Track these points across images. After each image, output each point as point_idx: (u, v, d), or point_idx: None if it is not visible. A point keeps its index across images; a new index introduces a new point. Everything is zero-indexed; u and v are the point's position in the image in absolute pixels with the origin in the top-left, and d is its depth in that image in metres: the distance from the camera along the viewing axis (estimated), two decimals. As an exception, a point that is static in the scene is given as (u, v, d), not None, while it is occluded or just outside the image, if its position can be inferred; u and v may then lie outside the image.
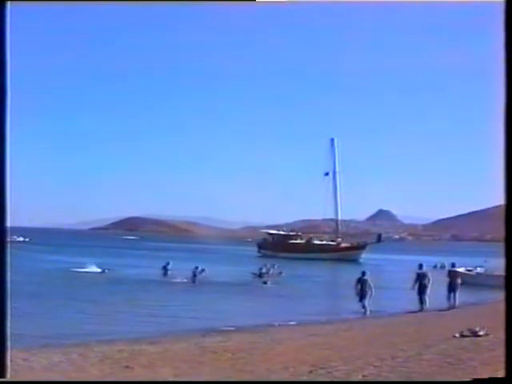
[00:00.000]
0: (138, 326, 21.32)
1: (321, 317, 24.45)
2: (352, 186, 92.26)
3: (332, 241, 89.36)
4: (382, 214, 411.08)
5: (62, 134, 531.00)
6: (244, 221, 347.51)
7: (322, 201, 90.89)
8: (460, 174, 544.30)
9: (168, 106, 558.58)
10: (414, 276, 27.12)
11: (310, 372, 11.53)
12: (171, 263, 45.84)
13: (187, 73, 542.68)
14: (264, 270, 45.72)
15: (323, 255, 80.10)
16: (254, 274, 44.26)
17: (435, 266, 51.51)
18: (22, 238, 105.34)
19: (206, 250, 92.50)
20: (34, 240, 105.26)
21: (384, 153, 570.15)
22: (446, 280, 27.72)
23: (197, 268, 40.39)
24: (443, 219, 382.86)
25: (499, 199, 5.41)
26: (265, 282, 38.90)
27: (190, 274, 39.63)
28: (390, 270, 60.45)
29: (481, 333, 15.49)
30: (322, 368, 11.83)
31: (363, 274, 27.15)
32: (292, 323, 22.17)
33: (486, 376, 9.11)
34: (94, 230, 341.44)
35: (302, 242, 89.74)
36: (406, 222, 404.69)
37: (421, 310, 26.00)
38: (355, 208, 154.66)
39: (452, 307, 26.60)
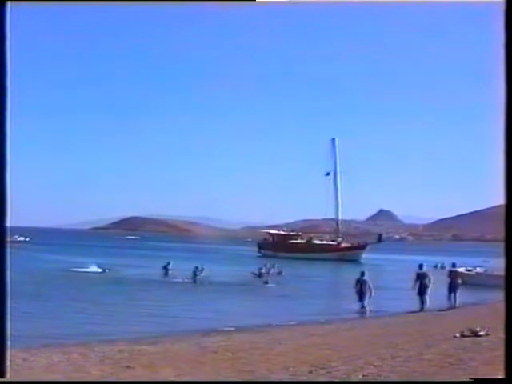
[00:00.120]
0: (138, 326, 21.31)
1: (321, 317, 24.42)
2: (353, 186, 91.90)
3: (332, 241, 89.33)
4: (382, 214, 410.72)
5: (63, 134, 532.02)
6: (244, 221, 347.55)
7: (322, 201, 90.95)
8: (461, 173, 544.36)
9: (169, 106, 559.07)
10: (414, 276, 27.11)
11: (310, 372, 11.53)
12: (172, 263, 45.88)
13: (187, 72, 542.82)
14: (264, 270, 45.75)
15: (324, 255, 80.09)
16: (254, 273, 44.30)
17: (436, 266, 51.52)
18: (22, 238, 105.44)
19: (206, 250, 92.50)
20: (35, 240, 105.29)
21: (385, 153, 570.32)
22: (447, 280, 27.73)
23: (197, 268, 40.41)
24: (444, 219, 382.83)
25: (500, 199, 5.41)
26: (266, 282, 38.88)
27: (190, 273, 39.64)
28: (391, 270, 60.42)
29: (481, 333, 15.48)
30: (322, 368, 11.82)
31: (362, 274, 27.18)
32: (292, 323, 22.17)
33: (486, 376, 9.11)
34: (95, 230, 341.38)
35: (303, 241, 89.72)
36: (407, 221, 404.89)
37: (421, 310, 25.99)
38: (356, 208, 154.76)
39: (452, 307, 26.60)
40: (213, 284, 37.81)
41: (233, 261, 67.52)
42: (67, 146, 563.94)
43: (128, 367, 12.52)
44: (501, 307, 5.73)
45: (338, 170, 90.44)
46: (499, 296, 6.36)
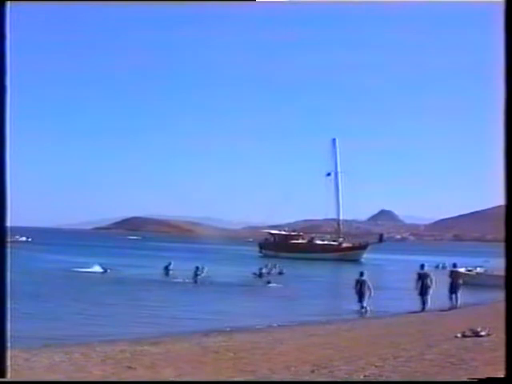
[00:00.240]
0: (139, 326, 21.30)
1: (322, 317, 24.43)
2: (354, 186, 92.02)
3: (334, 241, 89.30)
4: (383, 214, 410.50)
5: (64, 134, 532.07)
6: (245, 221, 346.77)
7: (323, 201, 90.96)
8: (462, 173, 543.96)
9: (170, 106, 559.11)
10: (415, 276, 27.09)
11: (312, 372, 11.53)
12: (173, 263, 45.89)
13: (188, 72, 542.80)
14: (264, 270, 45.77)
15: (325, 255, 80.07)
16: (255, 273, 44.32)
17: (437, 267, 51.52)
18: (24, 238, 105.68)
19: (207, 250, 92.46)
20: (36, 240, 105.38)
21: (386, 153, 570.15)
22: (448, 280, 27.71)
23: (198, 268, 40.41)
24: (445, 219, 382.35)
25: (501, 199, 5.41)
26: (268, 282, 38.82)
27: (191, 274, 39.65)
28: (392, 270, 60.46)
29: (482, 333, 15.48)
30: (323, 368, 11.83)
31: (361, 274, 27.19)
32: (293, 323, 22.17)
33: (488, 376, 9.11)
34: (96, 230, 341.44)
35: (304, 242, 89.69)
36: (408, 222, 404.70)
37: (422, 310, 25.98)
38: (357, 208, 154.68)
39: (454, 307, 26.59)
40: (214, 284, 37.81)
41: (234, 261, 67.49)
42: (69, 145, 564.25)
43: (129, 367, 12.52)
44: (502, 307, 5.73)
45: (339, 170, 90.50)
46: (500, 296, 6.36)
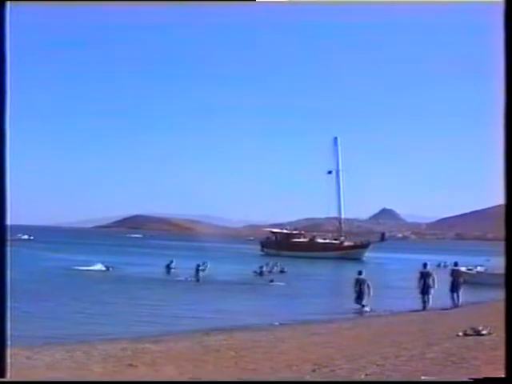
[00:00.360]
0: (140, 325, 21.33)
1: (323, 316, 24.43)
2: (355, 185, 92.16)
3: (335, 239, 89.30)
4: (385, 213, 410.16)
5: (65, 133, 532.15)
6: (247, 219, 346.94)
7: (325, 199, 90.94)
8: (464, 172, 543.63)
9: (170, 105, 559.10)
10: (418, 275, 27.09)
11: (314, 370, 11.54)
12: (174, 262, 45.93)
13: (188, 72, 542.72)
14: (265, 269, 45.81)
15: (326, 254, 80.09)
16: (255, 272, 44.36)
17: (439, 265, 51.47)
18: (26, 236, 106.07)
19: (209, 249, 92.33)
20: (38, 238, 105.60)
21: (387, 151, 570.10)
22: (449, 279, 27.70)
23: (199, 265, 40.44)
24: (447, 218, 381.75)
25: (502, 198, 5.41)
26: (271, 281, 38.74)
27: (193, 272, 39.67)
28: (393, 269, 60.45)
29: (484, 332, 15.48)
30: (325, 366, 11.83)
31: (360, 273, 27.19)
32: (295, 322, 22.17)
33: (489, 375, 9.11)
34: (97, 228, 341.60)
35: (305, 240, 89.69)
36: (410, 220, 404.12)
37: (424, 308, 25.98)
38: (358, 207, 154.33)
39: (455, 306, 26.58)
40: (215, 282, 37.85)
41: (235, 259, 67.53)
42: (69, 145, 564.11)
43: (131, 365, 12.54)
44: (503, 306, 5.73)
45: (341, 168, 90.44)
46: (501, 295, 6.36)
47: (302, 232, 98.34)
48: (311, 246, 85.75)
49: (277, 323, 21.59)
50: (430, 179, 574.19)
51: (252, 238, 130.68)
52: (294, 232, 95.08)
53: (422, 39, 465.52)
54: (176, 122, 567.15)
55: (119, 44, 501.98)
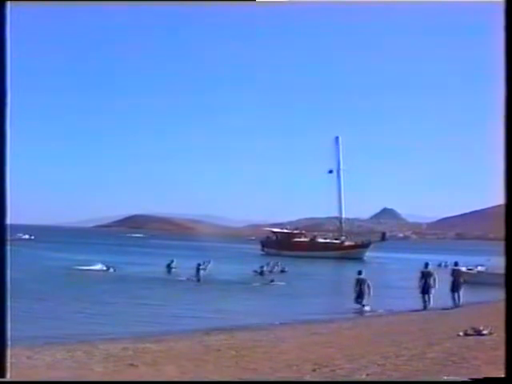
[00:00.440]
0: (141, 325, 21.33)
1: (324, 315, 24.42)
2: (356, 184, 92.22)
3: (336, 239, 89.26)
4: (386, 213, 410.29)
5: (65, 133, 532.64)
6: (247, 219, 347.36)
7: (326, 199, 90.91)
8: (465, 172, 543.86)
9: (171, 105, 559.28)
10: (418, 275, 27.08)
11: (314, 370, 11.53)
12: (175, 261, 45.94)
13: (189, 73, 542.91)
14: (265, 268, 45.80)
15: (327, 253, 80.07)
16: (255, 271, 44.36)
17: (439, 265, 51.44)
18: (27, 236, 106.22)
19: (209, 248, 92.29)
20: (39, 238, 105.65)
21: (388, 151, 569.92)
22: (450, 279, 27.68)
23: (199, 265, 40.42)
24: (447, 218, 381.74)
25: (503, 198, 5.42)
26: (272, 281, 38.72)
27: (193, 272, 39.66)
28: (394, 269, 60.46)
29: (485, 332, 15.48)
30: (325, 366, 11.83)
31: (359, 273, 27.17)
32: (295, 321, 22.17)
33: (490, 375, 9.11)
34: (98, 228, 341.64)
35: (306, 240, 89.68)
36: (411, 220, 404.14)
37: (424, 308, 25.98)
38: (359, 206, 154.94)
39: (456, 306, 26.57)
40: (216, 282, 37.84)
41: (236, 259, 67.52)
42: (70, 144, 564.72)
43: (132, 365, 12.54)
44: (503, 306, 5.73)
45: (342, 168, 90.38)
46: (501, 294, 6.36)
47: (303, 232, 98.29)
48: (312, 245, 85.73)
49: (277, 323, 21.59)
50: (430, 179, 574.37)
51: (253, 238, 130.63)
52: (295, 232, 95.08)
53: (423, 39, 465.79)
54: (177, 122, 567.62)
55: (120, 44, 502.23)
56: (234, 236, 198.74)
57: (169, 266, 45.21)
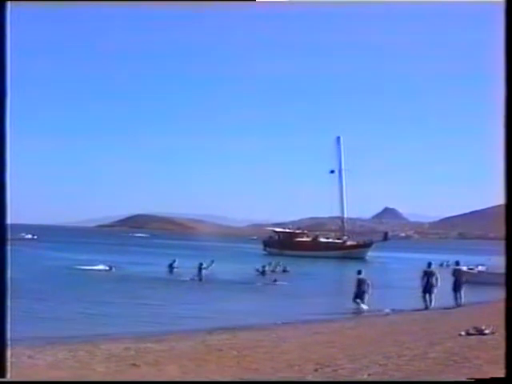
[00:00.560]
0: (143, 324, 21.35)
1: (326, 315, 24.41)
2: (358, 184, 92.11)
3: (338, 239, 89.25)
4: (388, 212, 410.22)
5: (67, 133, 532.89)
6: (250, 218, 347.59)
7: (328, 199, 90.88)
8: (466, 171, 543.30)
9: (174, 104, 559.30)
10: (421, 274, 27.05)
11: (316, 370, 11.53)
12: (177, 261, 45.95)
13: (189, 72, 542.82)
14: (268, 268, 45.79)
15: (329, 253, 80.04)
16: (257, 270, 44.36)
17: (441, 265, 51.41)
18: (29, 236, 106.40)
19: (211, 248, 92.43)
20: (42, 237, 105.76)
21: (390, 151, 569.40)
22: (452, 278, 27.66)
23: (201, 265, 40.42)
24: (449, 217, 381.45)
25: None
26: (275, 280, 38.66)
27: (195, 271, 39.67)
28: (396, 268, 60.46)
29: (487, 331, 15.46)
30: (327, 366, 11.83)
31: (359, 272, 27.14)
32: (297, 321, 22.16)
33: (492, 375, 9.10)
34: (100, 228, 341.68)
35: (308, 239, 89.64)
36: (412, 220, 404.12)
37: (426, 308, 25.96)
38: (361, 206, 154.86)
39: (458, 305, 26.56)
40: (218, 282, 37.85)
41: (238, 259, 67.47)
42: (72, 144, 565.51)
43: (133, 365, 12.54)
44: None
45: (343, 167, 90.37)
46: (502, 294, 6.36)
47: (305, 231, 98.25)
48: (314, 245, 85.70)
49: (279, 323, 21.59)
50: (432, 179, 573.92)
51: (255, 238, 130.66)
52: (297, 231, 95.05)
53: (423, 39, 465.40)
54: (179, 122, 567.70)
55: (120, 44, 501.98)
56: (236, 236, 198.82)
57: (171, 266, 45.20)
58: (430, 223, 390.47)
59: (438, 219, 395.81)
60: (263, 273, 43.79)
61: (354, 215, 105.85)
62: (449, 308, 25.88)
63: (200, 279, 38.79)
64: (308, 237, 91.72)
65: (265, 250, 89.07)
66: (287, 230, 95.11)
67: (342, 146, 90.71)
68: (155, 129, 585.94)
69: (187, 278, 38.95)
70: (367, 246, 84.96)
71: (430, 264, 27.45)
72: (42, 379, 11.11)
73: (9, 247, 5.92)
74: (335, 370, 11.41)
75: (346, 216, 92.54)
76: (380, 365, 11.71)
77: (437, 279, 26.45)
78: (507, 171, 5.13)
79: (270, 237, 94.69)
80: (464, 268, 33.69)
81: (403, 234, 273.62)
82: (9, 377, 5.55)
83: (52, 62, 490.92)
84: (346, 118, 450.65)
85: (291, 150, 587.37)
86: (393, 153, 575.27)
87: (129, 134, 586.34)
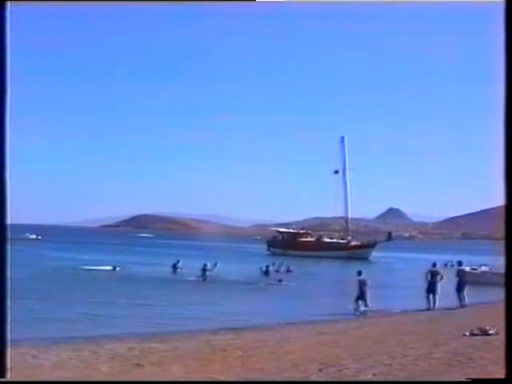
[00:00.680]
0: (147, 323, 21.36)
1: (330, 315, 24.39)
2: (362, 184, 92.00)
3: (342, 239, 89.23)
4: (392, 213, 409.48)
5: (71, 133, 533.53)
6: (253, 219, 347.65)
7: (332, 199, 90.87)
8: (470, 171, 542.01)
9: (177, 104, 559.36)
10: (425, 275, 27.00)
11: (320, 370, 11.52)
12: (181, 261, 45.97)
13: (191, 71, 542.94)
14: (272, 268, 45.78)
15: (333, 253, 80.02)
16: (261, 270, 44.34)
17: (445, 265, 51.36)
18: (34, 236, 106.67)
19: (215, 248, 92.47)
20: (46, 237, 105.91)
21: (394, 151, 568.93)
22: (456, 278, 27.61)
23: (205, 265, 40.43)
24: (453, 217, 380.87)
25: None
26: (280, 280, 38.63)
27: (199, 272, 39.69)
28: (400, 269, 60.39)
29: (491, 331, 15.43)
30: (332, 366, 11.81)
31: (359, 273, 27.07)
32: (302, 321, 22.15)
33: (496, 375, 9.09)
34: (104, 228, 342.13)
35: (312, 240, 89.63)
36: (416, 220, 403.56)
37: (430, 308, 25.93)
38: (365, 206, 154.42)
39: (462, 306, 26.51)
40: (222, 282, 37.86)
41: (242, 259, 67.49)
42: (77, 144, 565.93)
43: (138, 365, 12.55)
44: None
45: (348, 167, 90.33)
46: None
47: (309, 231, 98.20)
48: (318, 245, 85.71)
49: (284, 323, 21.58)
50: (436, 179, 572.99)
51: (259, 238, 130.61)
52: (301, 231, 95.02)
53: (424, 39, 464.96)
54: (182, 121, 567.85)
55: (120, 43, 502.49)
56: (240, 236, 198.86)
57: (174, 266, 45.22)
58: (433, 223, 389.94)
59: (442, 219, 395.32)
60: (267, 273, 43.79)
61: (358, 215, 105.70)
62: (453, 308, 25.83)
63: (204, 279, 38.81)
64: (312, 237, 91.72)
65: (268, 250, 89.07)
66: (291, 230, 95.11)
67: (346, 146, 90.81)
68: (159, 129, 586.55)
69: (191, 278, 38.99)
70: (371, 246, 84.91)
71: (434, 264, 27.42)
72: (46, 379, 11.12)
73: (12, 247, 5.92)
74: (340, 370, 11.40)
75: (350, 216, 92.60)
76: (385, 365, 11.69)
77: (442, 277, 26.42)
78: (507, 171, 5.11)
79: (274, 237, 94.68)
80: (467, 268, 33.65)
81: (407, 234, 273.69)
82: (9, 377, 5.55)
83: (53, 62, 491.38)
84: (350, 118, 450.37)
85: (296, 149, 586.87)
86: (398, 153, 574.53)
87: (133, 133, 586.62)
